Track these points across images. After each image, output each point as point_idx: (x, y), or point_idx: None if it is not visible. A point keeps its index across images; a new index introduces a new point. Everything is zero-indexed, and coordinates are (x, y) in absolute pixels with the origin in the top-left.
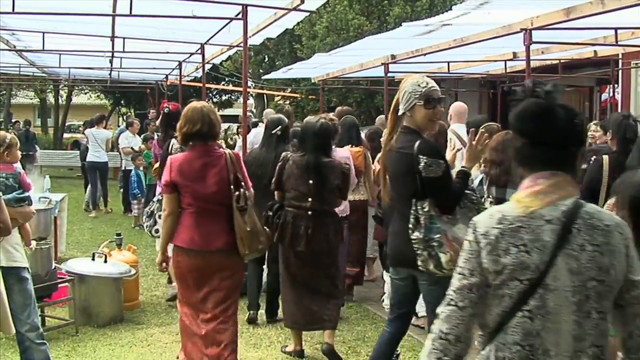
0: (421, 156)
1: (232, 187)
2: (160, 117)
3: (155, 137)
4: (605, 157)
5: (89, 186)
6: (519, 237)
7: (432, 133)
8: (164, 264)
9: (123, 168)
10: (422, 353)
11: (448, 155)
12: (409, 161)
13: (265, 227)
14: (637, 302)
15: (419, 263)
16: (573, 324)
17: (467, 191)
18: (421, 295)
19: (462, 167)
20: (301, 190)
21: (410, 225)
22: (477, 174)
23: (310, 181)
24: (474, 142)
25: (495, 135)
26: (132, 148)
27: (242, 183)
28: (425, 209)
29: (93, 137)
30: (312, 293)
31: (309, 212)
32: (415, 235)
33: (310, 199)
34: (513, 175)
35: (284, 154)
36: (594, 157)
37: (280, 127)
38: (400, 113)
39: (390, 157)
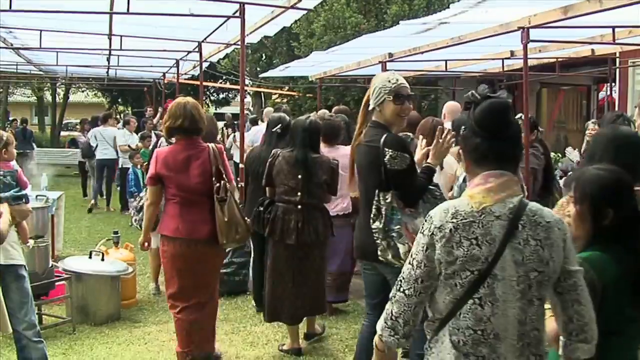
0: (387, 149)
1: (213, 179)
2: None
3: (153, 135)
4: None
5: (93, 182)
6: (472, 231)
7: (401, 128)
8: (145, 244)
9: (120, 166)
10: (378, 325)
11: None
12: (375, 154)
13: (245, 219)
14: (574, 290)
15: (379, 253)
16: (518, 310)
17: (431, 187)
18: None
19: (427, 163)
20: (290, 184)
21: (372, 215)
22: (462, 172)
23: (299, 176)
24: (440, 140)
25: None
26: (129, 146)
27: (224, 175)
28: (388, 200)
29: (100, 135)
30: (297, 287)
31: (298, 206)
32: (376, 225)
33: (299, 193)
34: None
35: (273, 150)
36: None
37: (280, 125)
38: (370, 108)
39: (359, 151)
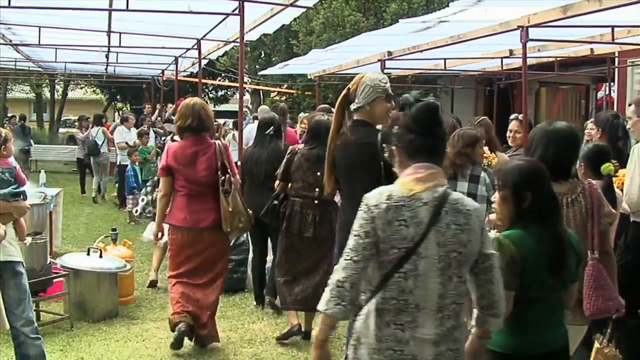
0: (386, 145)
1: (219, 172)
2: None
3: (151, 132)
4: None
5: (96, 178)
6: (401, 213)
7: (386, 125)
8: (159, 234)
9: (118, 163)
10: (320, 304)
11: None
12: (371, 151)
13: (248, 210)
14: (488, 271)
15: None
16: (438, 285)
17: None
18: None
19: None
20: (309, 181)
21: None
22: None
23: (319, 173)
24: None
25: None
26: (126, 143)
27: (229, 170)
28: None
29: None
30: (310, 277)
31: (316, 202)
32: None
33: (317, 189)
34: (461, 167)
35: (291, 147)
36: None
37: (272, 127)
38: (355, 107)
39: (348, 149)
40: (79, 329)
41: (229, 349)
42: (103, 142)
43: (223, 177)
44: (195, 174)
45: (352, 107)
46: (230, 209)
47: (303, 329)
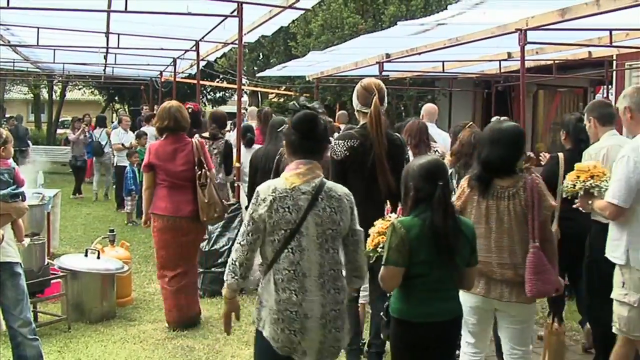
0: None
1: (196, 167)
2: (212, 118)
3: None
4: (561, 155)
5: (97, 178)
6: (285, 202)
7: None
8: (147, 223)
9: (115, 164)
10: (225, 276)
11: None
12: (403, 151)
13: (223, 201)
14: (356, 243)
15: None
16: (318, 256)
17: None
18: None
19: None
20: None
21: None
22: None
23: None
24: None
25: (460, 135)
26: (122, 144)
27: (205, 165)
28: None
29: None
30: None
31: None
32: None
33: None
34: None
35: (280, 149)
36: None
37: (285, 125)
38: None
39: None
40: (76, 330)
41: (226, 350)
42: (106, 143)
43: (199, 172)
44: (175, 169)
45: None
46: (206, 200)
47: None
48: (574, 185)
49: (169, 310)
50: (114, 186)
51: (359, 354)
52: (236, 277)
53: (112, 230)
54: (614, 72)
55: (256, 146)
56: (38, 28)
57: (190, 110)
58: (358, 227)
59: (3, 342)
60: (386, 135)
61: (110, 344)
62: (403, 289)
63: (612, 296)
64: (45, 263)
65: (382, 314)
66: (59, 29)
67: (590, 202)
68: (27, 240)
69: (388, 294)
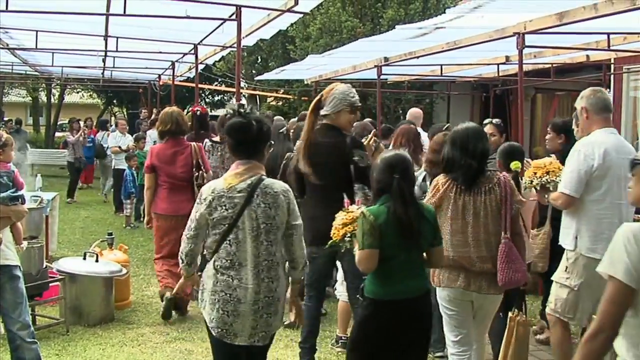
0: (355, 150)
1: (194, 169)
2: (220, 122)
3: (147, 137)
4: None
5: (102, 180)
6: (222, 201)
7: (348, 130)
8: (150, 223)
9: (113, 167)
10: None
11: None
12: (339, 152)
13: None
14: (293, 236)
15: (348, 237)
16: (253, 248)
17: None
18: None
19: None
20: None
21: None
22: (420, 171)
23: None
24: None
25: (435, 137)
26: (119, 147)
27: (202, 167)
28: (361, 190)
29: (149, 138)
30: None
31: None
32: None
33: None
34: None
35: (288, 154)
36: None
37: (285, 127)
38: (324, 113)
39: (317, 149)
40: (74, 333)
41: None
42: (108, 146)
43: (197, 173)
44: (175, 171)
45: (322, 112)
46: None
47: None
48: (532, 181)
49: (164, 287)
50: (112, 189)
51: (312, 353)
52: (185, 264)
53: (110, 233)
54: (612, 76)
55: None
56: (37, 31)
57: (198, 112)
58: (296, 221)
59: (2, 345)
60: (315, 138)
61: (109, 347)
62: (376, 271)
63: (553, 278)
64: (44, 266)
65: (358, 296)
66: (58, 32)
67: (546, 195)
68: (25, 244)
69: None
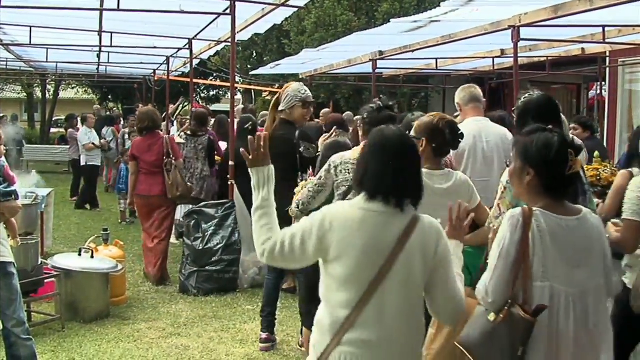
0: (302, 141)
1: (164, 157)
2: (194, 116)
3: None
4: None
5: (105, 172)
6: (347, 167)
7: (301, 124)
8: (133, 203)
9: (84, 164)
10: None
11: None
12: (290, 145)
13: (186, 183)
14: None
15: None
16: None
17: None
18: None
19: None
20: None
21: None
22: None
23: None
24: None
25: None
26: (93, 144)
27: (172, 155)
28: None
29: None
30: None
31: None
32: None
33: None
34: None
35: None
36: None
37: (250, 123)
38: (280, 109)
39: (273, 142)
40: (70, 329)
41: (220, 349)
42: (111, 140)
43: (166, 160)
44: (150, 159)
45: (279, 108)
46: (170, 182)
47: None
48: None
49: (147, 264)
50: (79, 185)
51: (272, 321)
52: (297, 210)
53: (105, 229)
54: (607, 69)
55: None
56: (31, 27)
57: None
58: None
59: None
60: (274, 132)
61: (105, 343)
62: None
63: None
64: (39, 262)
65: None
66: (52, 28)
67: None
68: (20, 240)
69: None
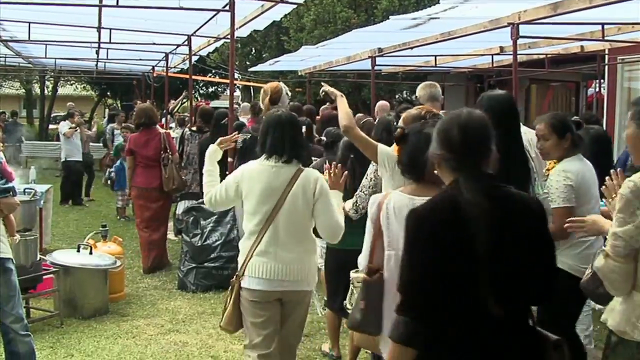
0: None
1: (162, 152)
2: (198, 113)
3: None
4: None
5: None
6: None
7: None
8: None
9: (64, 159)
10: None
11: None
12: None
13: (182, 177)
14: None
15: None
16: None
17: None
18: None
19: None
20: None
21: None
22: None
23: None
24: None
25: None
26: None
27: (169, 150)
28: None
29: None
30: None
31: None
32: None
33: None
34: None
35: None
36: None
37: (226, 118)
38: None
39: None
40: (68, 325)
41: (219, 345)
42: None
43: (163, 155)
44: (147, 153)
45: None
46: (166, 176)
47: None
48: None
49: (145, 257)
50: (63, 180)
51: None
52: (357, 213)
53: (104, 226)
54: (606, 67)
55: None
56: (29, 23)
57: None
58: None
59: None
60: None
61: (103, 340)
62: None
63: None
64: (38, 259)
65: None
66: (51, 24)
67: None
68: (18, 236)
69: None
